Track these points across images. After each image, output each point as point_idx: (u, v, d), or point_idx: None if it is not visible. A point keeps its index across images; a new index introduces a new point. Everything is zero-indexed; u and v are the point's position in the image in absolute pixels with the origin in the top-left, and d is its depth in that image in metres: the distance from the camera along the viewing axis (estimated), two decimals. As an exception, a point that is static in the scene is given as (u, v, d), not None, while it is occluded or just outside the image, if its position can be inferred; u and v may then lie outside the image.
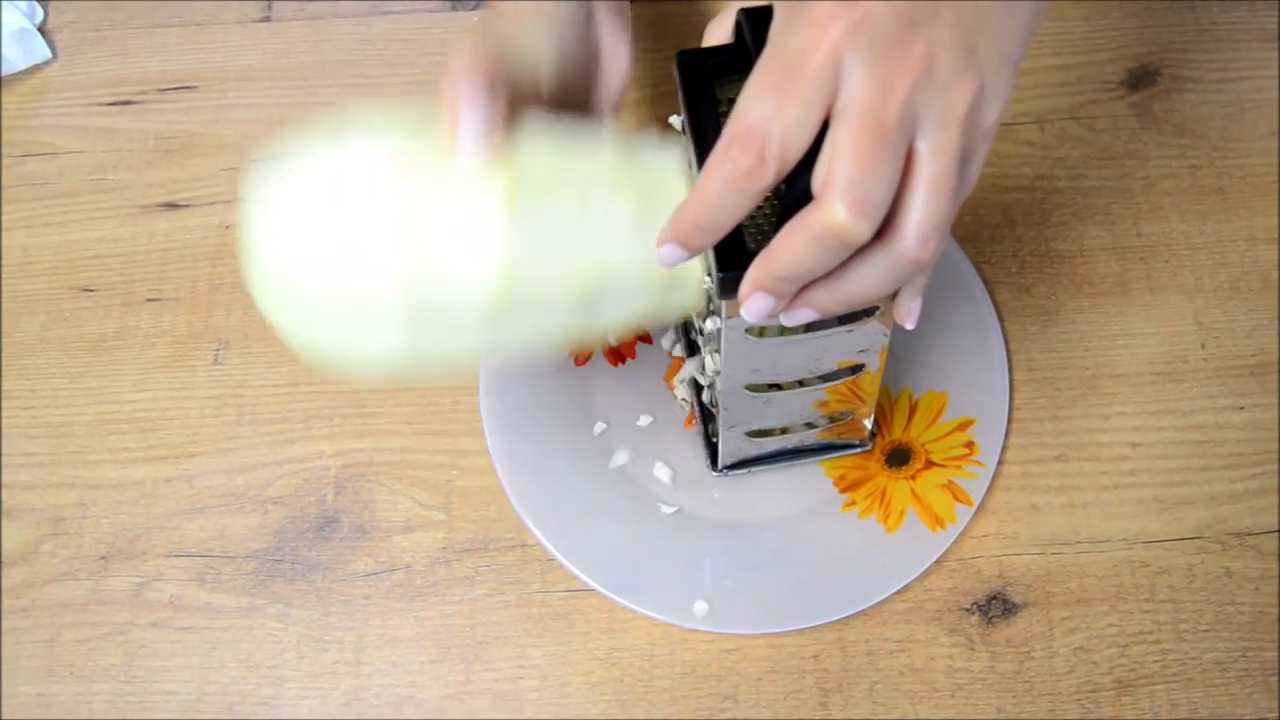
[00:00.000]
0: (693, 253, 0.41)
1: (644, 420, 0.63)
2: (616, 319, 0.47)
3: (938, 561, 0.59)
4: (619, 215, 0.44)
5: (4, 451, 0.63)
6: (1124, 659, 0.57)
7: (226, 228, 0.69)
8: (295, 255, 0.43)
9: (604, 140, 0.46)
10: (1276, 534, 0.60)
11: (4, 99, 0.73)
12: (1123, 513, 0.60)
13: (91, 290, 0.67)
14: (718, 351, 0.50)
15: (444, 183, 0.43)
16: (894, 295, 0.45)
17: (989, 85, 0.39)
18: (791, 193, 0.39)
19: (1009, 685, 0.57)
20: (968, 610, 0.58)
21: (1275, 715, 0.56)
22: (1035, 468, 0.61)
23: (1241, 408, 0.63)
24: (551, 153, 0.45)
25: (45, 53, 0.74)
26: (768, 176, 0.38)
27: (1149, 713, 0.56)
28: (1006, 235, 0.67)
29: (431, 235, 0.42)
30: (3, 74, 0.73)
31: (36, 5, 0.75)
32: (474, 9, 0.75)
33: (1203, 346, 0.64)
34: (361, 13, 0.75)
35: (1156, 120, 0.71)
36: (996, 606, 0.58)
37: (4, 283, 0.67)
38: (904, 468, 0.61)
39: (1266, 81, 0.71)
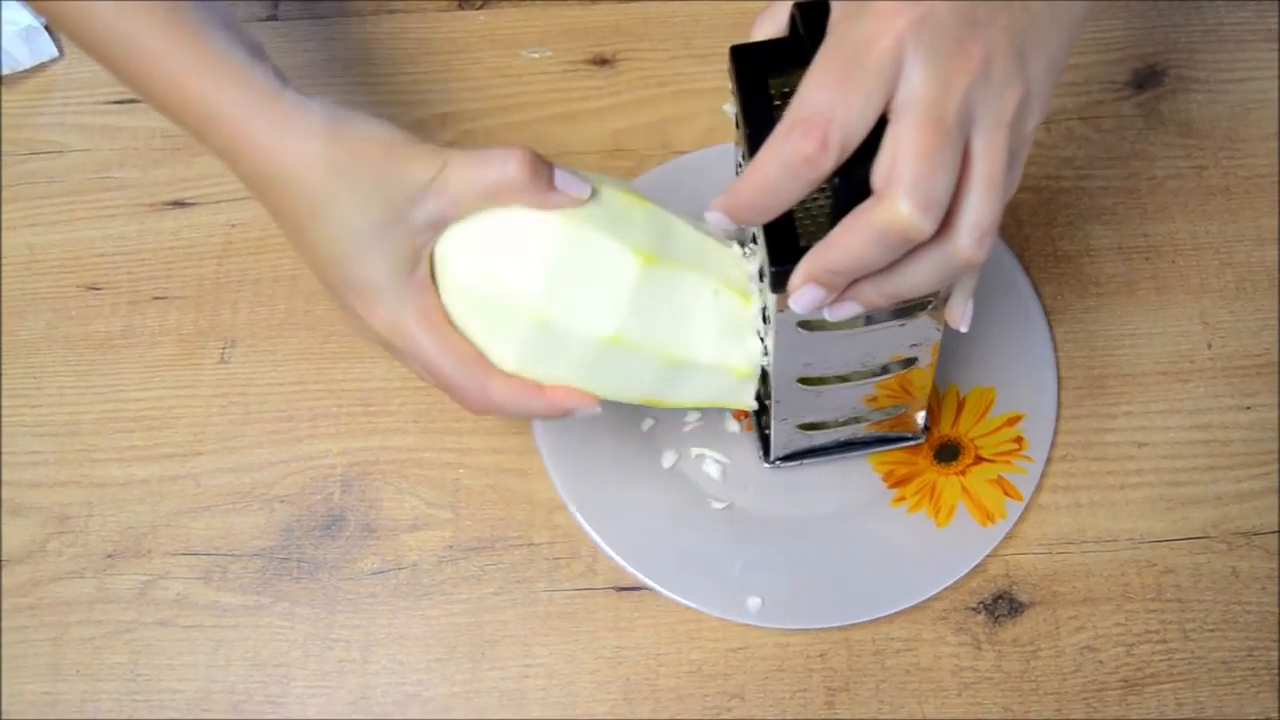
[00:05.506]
0: (738, 225, 0.42)
1: (692, 416, 0.63)
2: (686, 399, 0.52)
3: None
4: (725, 319, 0.50)
5: (10, 450, 0.63)
6: (1130, 658, 0.57)
7: (233, 226, 0.68)
8: (467, 257, 0.49)
9: (734, 249, 0.52)
10: (1283, 534, 0.60)
11: (10, 97, 0.73)
12: (1129, 512, 0.60)
13: (98, 288, 0.67)
14: (770, 345, 0.50)
15: (605, 245, 0.48)
16: (946, 294, 0.46)
17: (1034, 92, 0.39)
18: (847, 186, 0.39)
19: (1015, 684, 0.57)
20: (974, 609, 0.58)
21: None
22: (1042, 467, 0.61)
23: (1248, 407, 0.63)
24: (700, 247, 0.50)
25: (51, 50, 0.74)
26: (827, 163, 0.38)
27: (1155, 712, 0.56)
28: (1013, 235, 0.67)
29: (577, 277, 0.48)
30: (9, 72, 0.73)
31: (42, 3, 0.75)
32: (480, 9, 0.75)
33: (1209, 346, 0.64)
34: (367, 12, 0.75)
35: (1163, 120, 0.71)
36: (1003, 606, 0.58)
37: (10, 281, 0.67)
38: (953, 463, 0.61)
39: (1272, 82, 0.71)
